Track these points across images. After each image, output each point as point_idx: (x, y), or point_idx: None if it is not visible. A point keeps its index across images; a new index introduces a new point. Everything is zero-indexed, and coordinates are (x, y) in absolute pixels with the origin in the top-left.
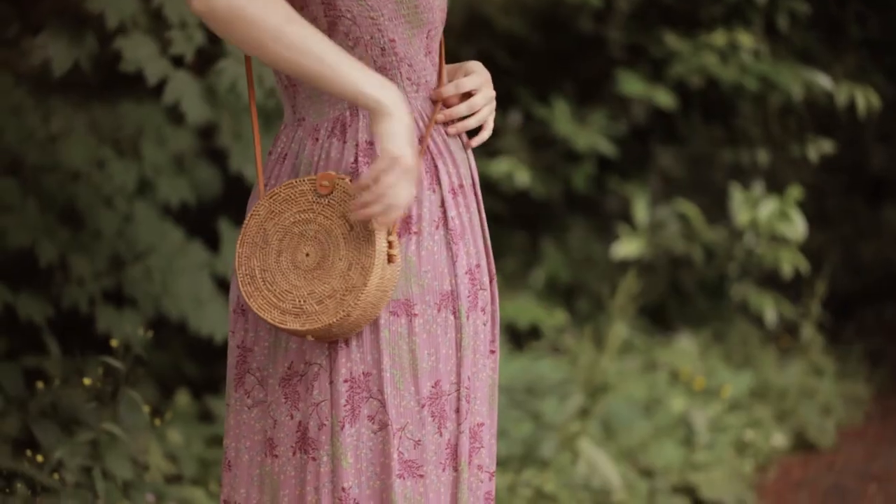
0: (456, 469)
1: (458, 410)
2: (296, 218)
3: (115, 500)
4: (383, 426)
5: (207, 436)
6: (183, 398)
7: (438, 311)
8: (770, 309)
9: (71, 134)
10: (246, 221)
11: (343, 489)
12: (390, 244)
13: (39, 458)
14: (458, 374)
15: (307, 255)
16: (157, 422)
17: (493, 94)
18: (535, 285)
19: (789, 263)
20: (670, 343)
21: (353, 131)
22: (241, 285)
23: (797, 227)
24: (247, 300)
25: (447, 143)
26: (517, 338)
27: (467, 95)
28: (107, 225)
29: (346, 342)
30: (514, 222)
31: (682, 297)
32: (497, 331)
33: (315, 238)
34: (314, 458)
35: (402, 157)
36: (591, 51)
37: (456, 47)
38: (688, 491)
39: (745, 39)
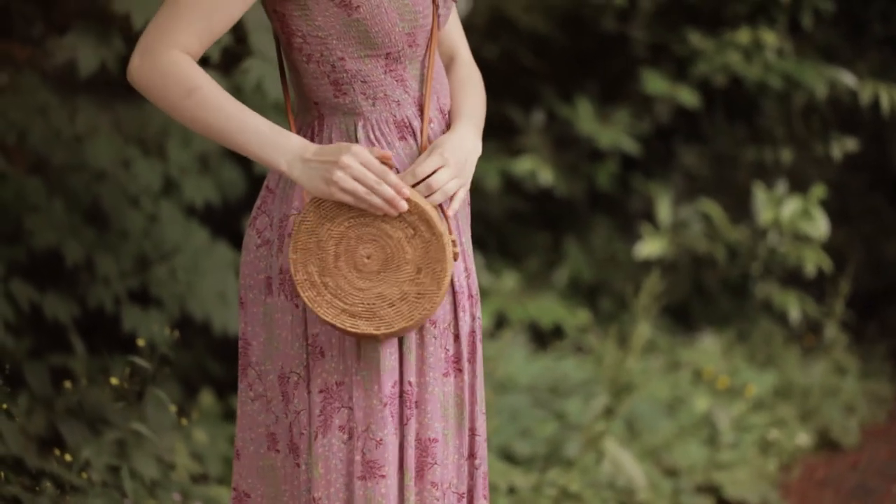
0: (401, 471)
1: (400, 415)
2: (351, 223)
3: (142, 499)
4: (351, 434)
5: (233, 435)
6: (208, 398)
7: None
8: (793, 308)
9: (96, 133)
10: (295, 229)
11: (314, 499)
12: (454, 242)
13: (67, 457)
14: (401, 378)
15: (368, 257)
16: (184, 421)
17: (459, 168)
18: (558, 285)
19: (813, 262)
20: (694, 342)
21: (319, 140)
22: (301, 291)
23: (820, 225)
24: (311, 307)
25: (398, 159)
26: (541, 337)
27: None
28: (132, 225)
29: (322, 352)
30: (537, 221)
31: (706, 297)
32: (466, 350)
33: (374, 241)
34: (298, 465)
35: (334, 182)
36: (615, 49)
37: (479, 46)
38: (712, 490)
39: (769, 38)
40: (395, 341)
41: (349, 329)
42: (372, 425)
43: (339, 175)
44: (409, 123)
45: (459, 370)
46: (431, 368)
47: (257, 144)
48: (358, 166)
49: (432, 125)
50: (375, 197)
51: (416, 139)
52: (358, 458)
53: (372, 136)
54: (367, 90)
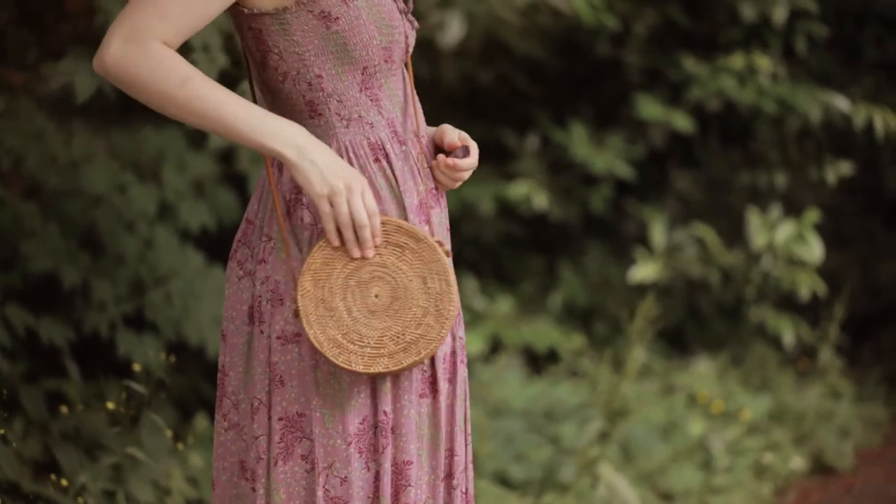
0: (377, 499)
1: (375, 445)
2: (346, 271)
3: None
4: (313, 466)
5: None
6: (203, 422)
7: None
8: (788, 332)
9: (92, 159)
10: (301, 305)
11: None
12: (439, 243)
13: (63, 482)
14: (375, 407)
15: (376, 296)
16: (180, 446)
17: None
18: (552, 309)
19: (807, 286)
20: (688, 366)
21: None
22: (333, 360)
23: (814, 249)
24: (349, 368)
25: (373, 181)
26: (535, 362)
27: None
28: (128, 249)
29: (282, 381)
30: (531, 245)
31: (700, 321)
32: (444, 370)
33: (374, 278)
34: (253, 489)
35: (330, 191)
36: (609, 74)
37: (474, 71)
38: None
39: (763, 62)
40: (364, 377)
41: (391, 369)
42: (336, 463)
43: (341, 197)
44: (383, 146)
45: (436, 391)
46: (406, 391)
47: (258, 133)
48: (359, 200)
49: (406, 147)
50: (351, 232)
51: (389, 162)
52: (320, 493)
53: (346, 158)
54: (342, 111)
